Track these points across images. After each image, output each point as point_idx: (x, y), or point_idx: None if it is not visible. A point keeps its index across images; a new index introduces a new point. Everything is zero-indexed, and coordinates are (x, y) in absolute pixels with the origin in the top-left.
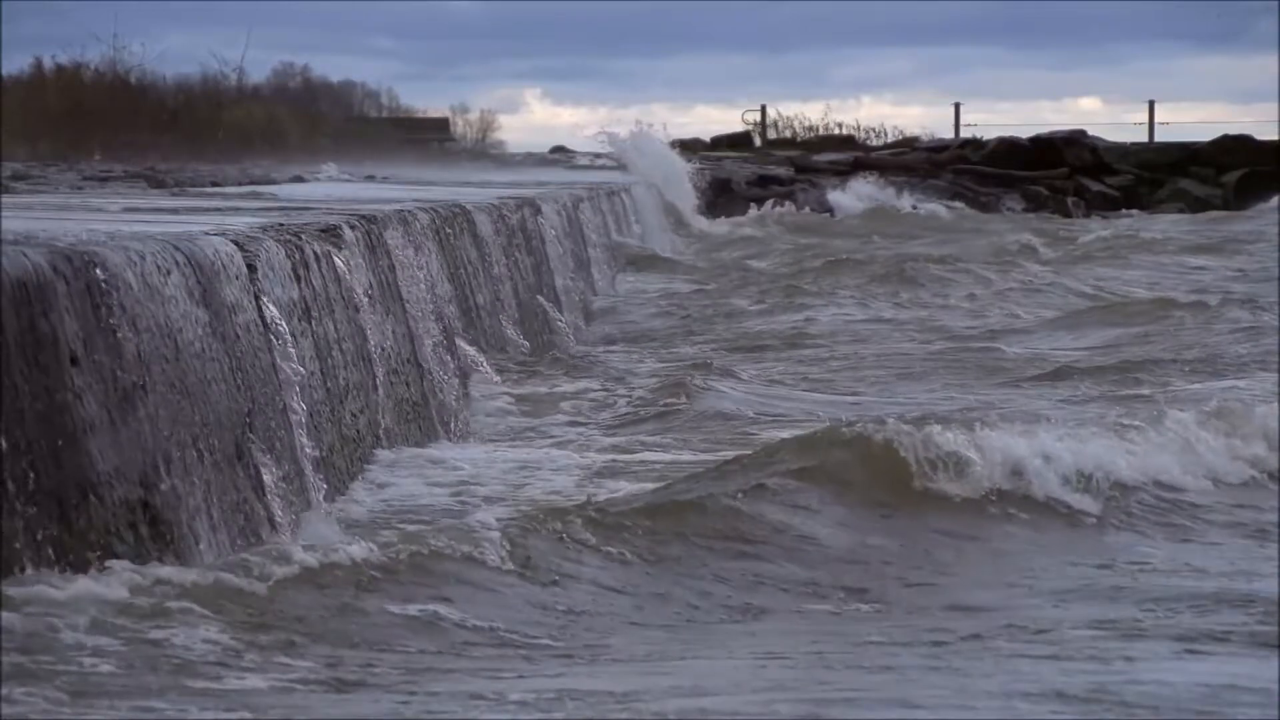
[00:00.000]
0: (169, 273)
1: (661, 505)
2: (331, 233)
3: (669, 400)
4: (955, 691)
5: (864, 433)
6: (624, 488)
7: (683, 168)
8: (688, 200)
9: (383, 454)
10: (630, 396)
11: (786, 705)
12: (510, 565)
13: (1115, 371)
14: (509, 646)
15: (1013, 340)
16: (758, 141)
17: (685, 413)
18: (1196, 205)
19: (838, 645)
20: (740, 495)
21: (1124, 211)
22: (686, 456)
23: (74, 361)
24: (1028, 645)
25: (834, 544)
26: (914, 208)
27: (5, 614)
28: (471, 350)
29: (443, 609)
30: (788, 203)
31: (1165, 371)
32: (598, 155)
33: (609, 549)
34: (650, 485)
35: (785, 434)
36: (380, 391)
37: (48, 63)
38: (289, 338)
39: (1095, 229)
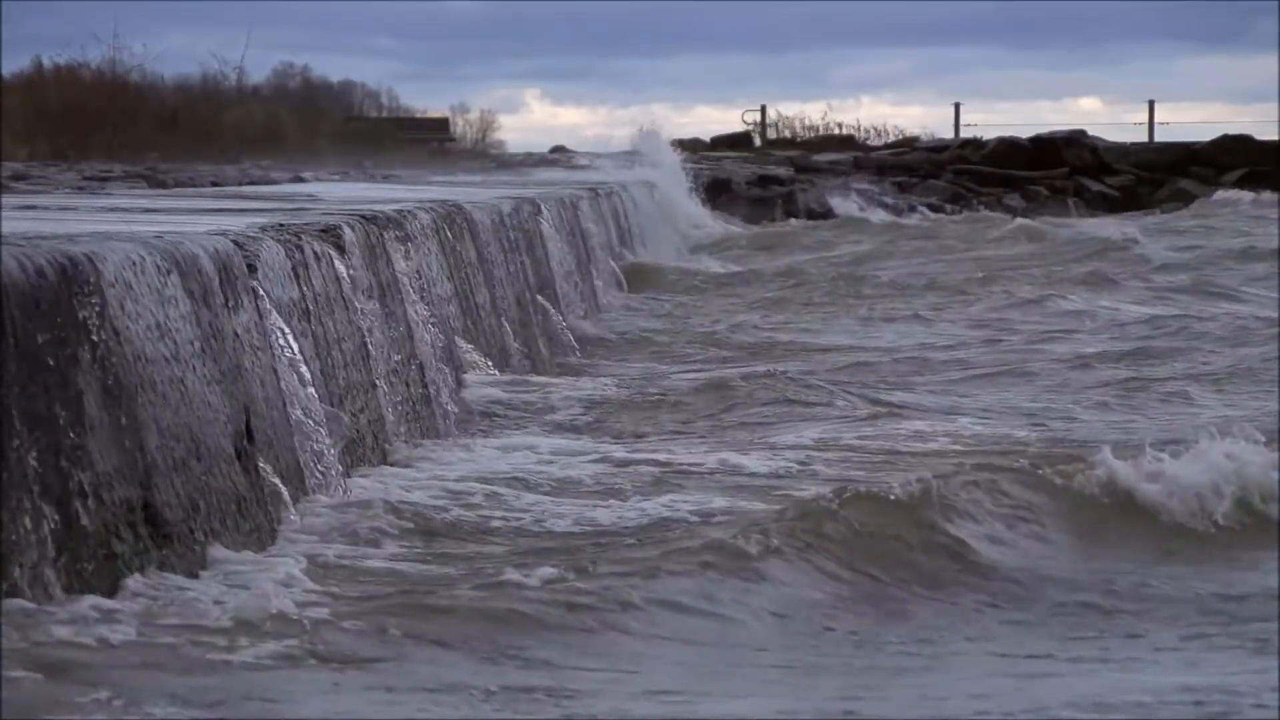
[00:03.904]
0: (169, 273)
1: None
2: (331, 233)
3: (681, 399)
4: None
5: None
6: (627, 481)
7: (676, 163)
8: (694, 201)
9: (384, 452)
10: (634, 394)
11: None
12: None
13: None
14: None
15: None
16: (758, 141)
17: (721, 417)
18: None
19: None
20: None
21: (1127, 215)
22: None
23: (74, 360)
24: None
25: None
26: (918, 211)
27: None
28: (472, 349)
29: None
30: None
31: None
32: (597, 155)
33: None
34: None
35: None
36: (380, 390)
37: (47, 63)
38: (288, 337)
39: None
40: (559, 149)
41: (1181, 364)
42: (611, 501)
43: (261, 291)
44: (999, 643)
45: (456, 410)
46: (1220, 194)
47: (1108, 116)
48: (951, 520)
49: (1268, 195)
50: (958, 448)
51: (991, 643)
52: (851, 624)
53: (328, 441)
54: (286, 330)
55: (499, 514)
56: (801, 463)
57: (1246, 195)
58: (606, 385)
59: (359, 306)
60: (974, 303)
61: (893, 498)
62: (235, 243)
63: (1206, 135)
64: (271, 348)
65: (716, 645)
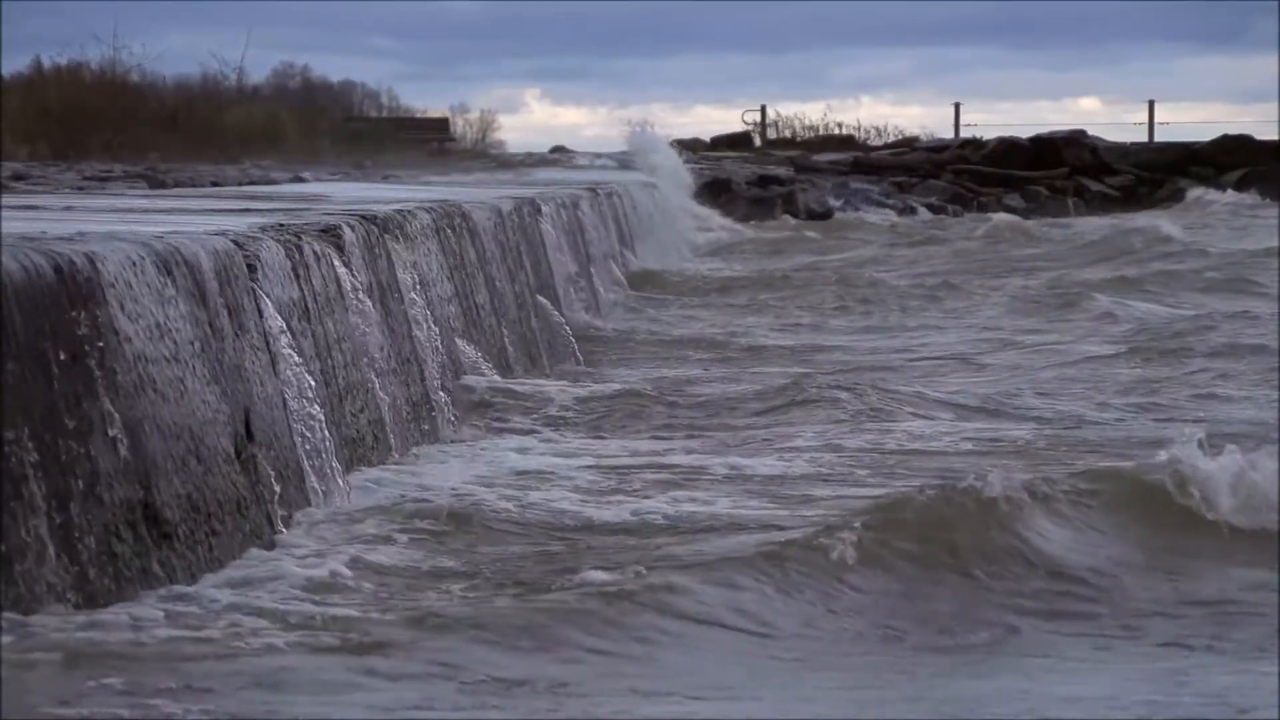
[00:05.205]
0: (170, 272)
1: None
2: (331, 233)
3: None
4: None
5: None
6: (630, 468)
7: (676, 162)
8: (693, 200)
9: (383, 452)
10: (635, 394)
11: None
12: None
13: None
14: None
15: None
16: (758, 141)
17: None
18: None
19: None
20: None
21: (1122, 215)
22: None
23: (74, 361)
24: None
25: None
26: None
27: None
28: (472, 349)
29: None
30: None
31: None
32: (598, 155)
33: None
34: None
35: None
36: (380, 390)
37: (47, 63)
38: (288, 337)
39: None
40: (559, 149)
41: (1221, 362)
42: (620, 500)
43: (261, 291)
44: (1042, 645)
45: (456, 410)
46: (1195, 192)
47: (1108, 116)
48: (1015, 520)
49: (1252, 196)
50: (968, 447)
51: (1031, 643)
52: (910, 629)
53: (328, 440)
54: (286, 330)
55: (499, 512)
56: (814, 464)
57: (1228, 194)
58: (607, 385)
59: (359, 306)
60: (983, 305)
61: (962, 488)
62: (235, 243)
63: (1206, 135)
64: (271, 348)
65: (731, 636)
